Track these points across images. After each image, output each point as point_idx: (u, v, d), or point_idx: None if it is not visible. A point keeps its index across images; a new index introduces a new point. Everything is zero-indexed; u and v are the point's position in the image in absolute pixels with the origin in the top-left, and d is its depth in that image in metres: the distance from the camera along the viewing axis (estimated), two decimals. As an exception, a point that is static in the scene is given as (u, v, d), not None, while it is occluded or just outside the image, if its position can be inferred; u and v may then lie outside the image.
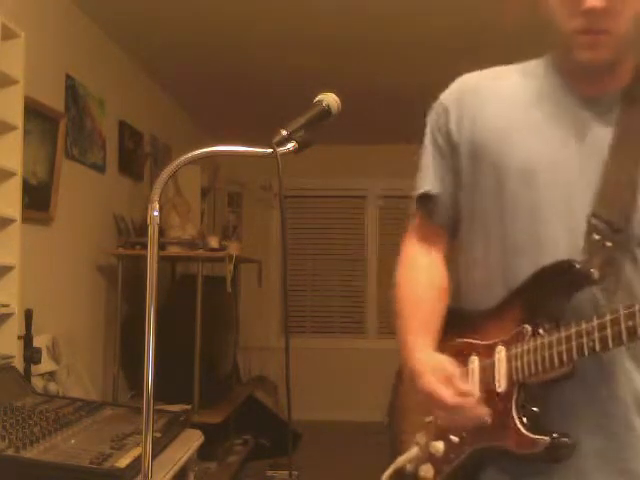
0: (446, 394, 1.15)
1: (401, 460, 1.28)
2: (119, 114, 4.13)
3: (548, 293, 1.14)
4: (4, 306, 2.43)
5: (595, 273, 1.11)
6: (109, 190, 3.98)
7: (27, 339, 2.55)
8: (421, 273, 1.34)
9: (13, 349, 2.44)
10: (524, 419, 1.12)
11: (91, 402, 2.31)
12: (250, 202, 6.54)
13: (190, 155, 1.15)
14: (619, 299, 1.11)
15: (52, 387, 2.83)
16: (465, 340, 1.26)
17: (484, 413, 1.16)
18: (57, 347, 3.04)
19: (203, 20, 3.68)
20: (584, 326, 1.06)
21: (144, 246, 3.64)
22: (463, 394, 1.15)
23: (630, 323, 1.00)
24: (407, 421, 1.35)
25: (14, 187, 2.51)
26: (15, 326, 2.47)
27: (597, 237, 1.13)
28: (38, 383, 2.72)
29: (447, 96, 1.35)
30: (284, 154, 1.21)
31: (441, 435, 1.24)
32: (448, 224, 1.35)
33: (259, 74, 4.52)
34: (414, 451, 1.27)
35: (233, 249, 4.02)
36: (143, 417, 1.06)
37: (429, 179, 1.33)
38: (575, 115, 1.21)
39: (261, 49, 4.09)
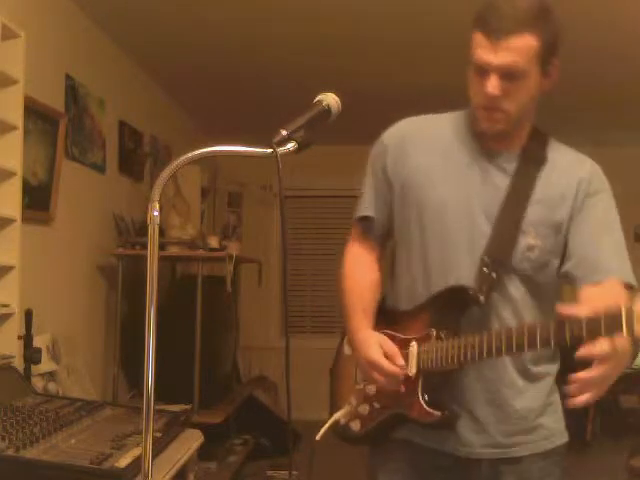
0: (386, 362, 1.48)
1: (337, 415, 1.62)
2: (119, 114, 4.13)
3: (448, 307, 1.49)
4: (4, 306, 2.43)
5: (482, 299, 1.47)
6: (109, 190, 3.98)
7: (27, 339, 2.55)
8: (362, 270, 1.66)
9: (13, 349, 2.44)
10: (426, 397, 1.48)
11: (91, 402, 2.31)
12: (250, 202, 6.54)
13: (190, 155, 1.14)
14: (506, 315, 1.49)
15: (52, 387, 2.83)
16: (388, 332, 1.56)
17: (402, 387, 1.51)
18: (57, 347, 3.04)
19: (203, 20, 3.68)
20: (470, 340, 1.41)
21: (144, 246, 3.64)
22: (399, 366, 1.48)
23: (498, 344, 1.36)
24: (343, 385, 1.68)
25: (14, 187, 2.51)
26: (15, 326, 2.47)
27: (486, 270, 1.47)
28: (38, 383, 2.72)
29: (388, 137, 1.65)
30: (284, 154, 1.21)
31: (367, 400, 1.59)
32: (380, 239, 1.69)
33: (259, 74, 4.51)
34: (347, 409, 1.61)
35: (233, 249, 4.02)
36: (143, 417, 1.06)
37: (368, 205, 1.66)
38: (481, 165, 1.53)
39: (261, 49, 4.09)
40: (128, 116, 4.26)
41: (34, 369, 2.61)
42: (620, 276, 1.46)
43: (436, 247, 1.53)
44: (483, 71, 1.44)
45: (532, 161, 1.52)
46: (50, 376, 2.90)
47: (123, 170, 4.19)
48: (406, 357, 1.50)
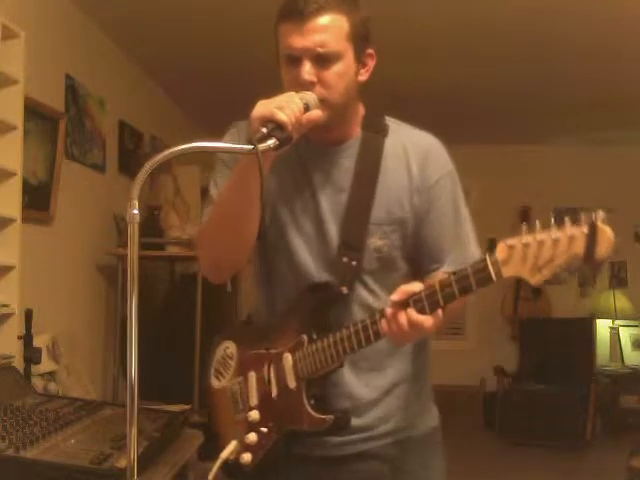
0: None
1: (224, 454, 1.48)
2: (119, 114, 4.13)
3: (313, 307, 1.45)
4: (4, 306, 2.43)
5: (344, 290, 1.43)
6: (109, 190, 3.98)
7: (27, 339, 2.55)
8: None
9: (13, 349, 2.44)
10: (312, 404, 1.41)
11: (91, 402, 2.30)
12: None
13: (168, 152, 1.11)
14: (366, 305, 1.45)
15: (52, 387, 2.83)
16: (256, 351, 1.50)
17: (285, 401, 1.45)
18: (57, 347, 3.04)
19: (203, 20, 3.68)
20: (344, 332, 1.36)
21: (144, 246, 3.64)
22: None
23: (370, 331, 1.32)
24: (222, 420, 1.58)
25: (14, 187, 2.51)
26: (15, 326, 2.47)
27: (345, 259, 1.44)
28: (38, 383, 2.72)
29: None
30: (264, 150, 1.22)
31: (253, 428, 1.47)
32: None
33: (260, 75, 4.50)
34: (233, 444, 1.49)
35: (233, 249, 4.01)
36: (127, 409, 1.05)
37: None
38: (321, 160, 1.47)
39: (262, 50, 4.07)
40: (128, 116, 4.26)
41: (34, 369, 2.61)
42: (455, 266, 1.46)
43: (283, 257, 1.48)
44: (295, 60, 1.37)
45: (370, 156, 1.47)
46: (50, 376, 2.90)
47: (123, 170, 4.18)
48: (282, 371, 1.44)
